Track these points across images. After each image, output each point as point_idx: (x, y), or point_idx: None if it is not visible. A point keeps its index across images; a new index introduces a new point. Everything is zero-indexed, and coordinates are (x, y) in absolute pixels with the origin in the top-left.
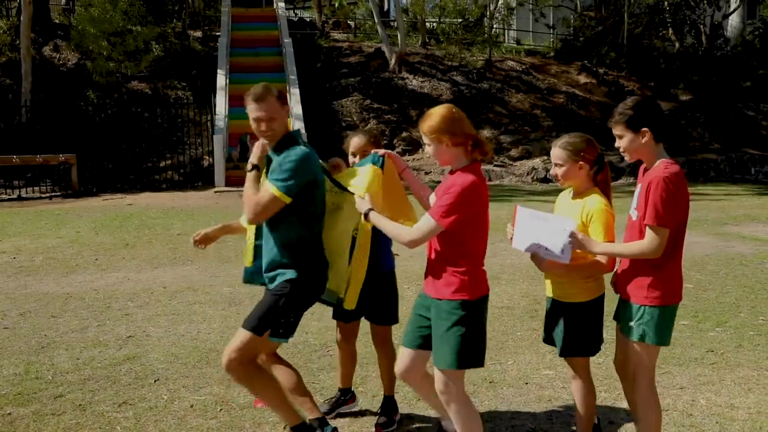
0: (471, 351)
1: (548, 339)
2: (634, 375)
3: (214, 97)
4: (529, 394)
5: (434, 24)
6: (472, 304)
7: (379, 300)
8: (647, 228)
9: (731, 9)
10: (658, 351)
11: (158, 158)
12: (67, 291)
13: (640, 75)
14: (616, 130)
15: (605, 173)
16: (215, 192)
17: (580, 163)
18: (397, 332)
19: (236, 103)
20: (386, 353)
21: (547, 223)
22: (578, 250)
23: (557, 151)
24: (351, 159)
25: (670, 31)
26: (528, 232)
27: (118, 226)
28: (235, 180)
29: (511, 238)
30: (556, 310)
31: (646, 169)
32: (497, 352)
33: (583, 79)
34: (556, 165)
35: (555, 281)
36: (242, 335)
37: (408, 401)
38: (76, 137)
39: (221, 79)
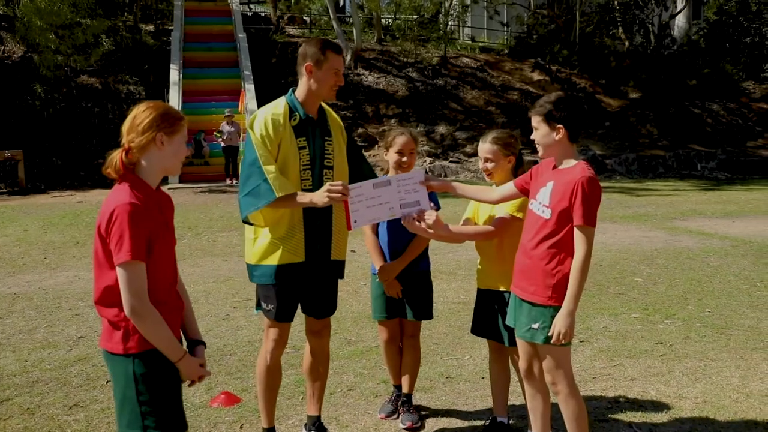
0: None
1: (480, 331)
2: (551, 379)
3: (167, 92)
4: (486, 389)
5: (390, 20)
6: None
7: (416, 297)
8: (576, 229)
9: (678, 9)
10: (569, 347)
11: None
12: (14, 291)
13: (592, 73)
14: (534, 122)
15: (523, 168)
16: (169, 189)
17: (510, 157)
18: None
19: (190, 99)
20: (414, 348)
21: (392, 186)
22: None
23: (488, 147)
24: (395, 157)
25: (620, 30)
26: (370, 203)
27: (67, 224)
28: (190, 177)
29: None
30: (499, 302)
31: (554, 167)
32: (454, 347)
33: (536, 76)
34: (486, 160)
35: (486, 271)
36: None
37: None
38: (23, 133)
39: (174, 74)
